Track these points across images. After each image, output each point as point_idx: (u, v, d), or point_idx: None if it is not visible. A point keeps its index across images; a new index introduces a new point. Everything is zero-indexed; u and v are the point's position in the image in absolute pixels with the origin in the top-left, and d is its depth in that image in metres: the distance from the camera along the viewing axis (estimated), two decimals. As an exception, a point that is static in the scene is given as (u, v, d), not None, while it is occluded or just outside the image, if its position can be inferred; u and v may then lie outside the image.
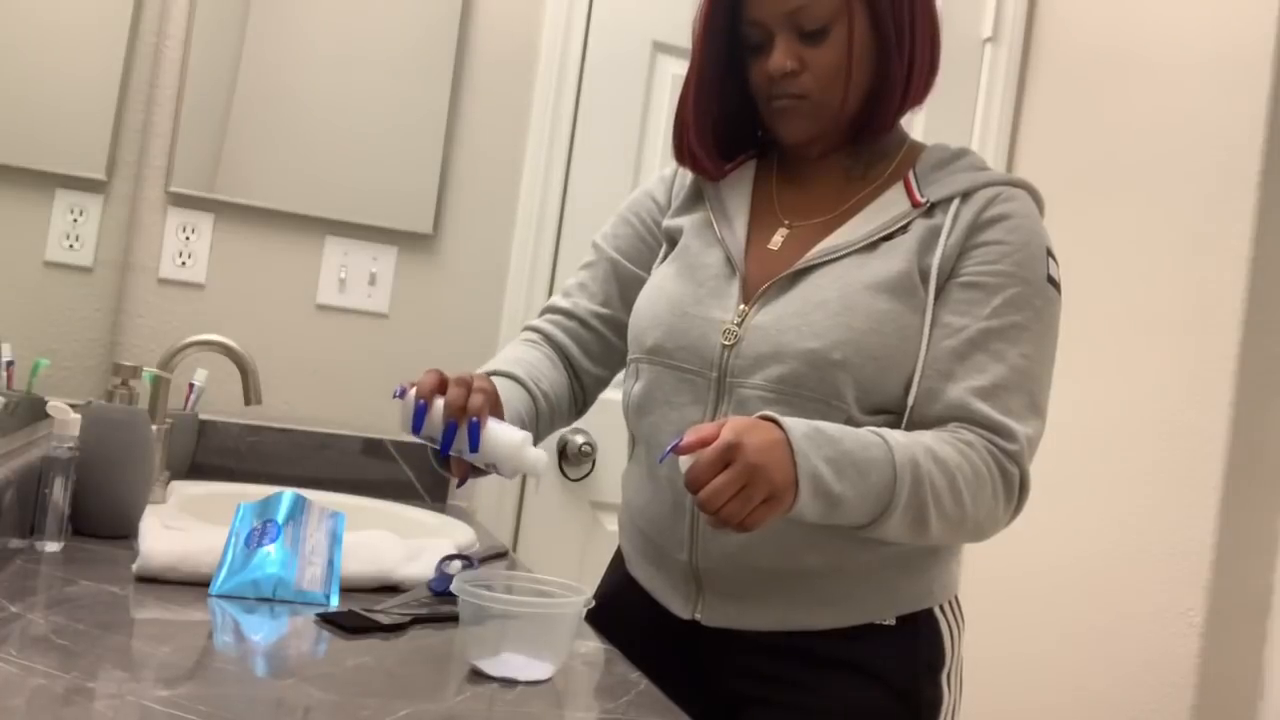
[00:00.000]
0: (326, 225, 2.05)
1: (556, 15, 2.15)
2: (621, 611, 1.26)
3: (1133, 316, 2.01)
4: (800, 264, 1.14)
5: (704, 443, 0.95)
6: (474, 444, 1.04)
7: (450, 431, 1.04)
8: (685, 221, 1.25)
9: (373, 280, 2.07)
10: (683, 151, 1.25)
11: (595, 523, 2.17)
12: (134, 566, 1.18)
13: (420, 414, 1.04)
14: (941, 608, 1.18)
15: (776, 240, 1.20)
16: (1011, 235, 1.13)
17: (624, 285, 1.31)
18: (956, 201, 1.15)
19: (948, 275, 1.13)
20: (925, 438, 1.07)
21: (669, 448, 0.99)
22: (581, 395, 1.33)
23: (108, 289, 1.87)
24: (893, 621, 1.15)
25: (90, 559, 1.25)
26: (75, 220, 1.61)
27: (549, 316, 1.34)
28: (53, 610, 1.02)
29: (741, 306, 1.15)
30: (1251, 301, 1.81)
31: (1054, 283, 1.14)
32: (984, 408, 1.08)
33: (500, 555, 1.59)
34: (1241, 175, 1.84)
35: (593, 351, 1.31)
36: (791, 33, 1.13)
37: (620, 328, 1.30)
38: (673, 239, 1.27)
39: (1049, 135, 2.34)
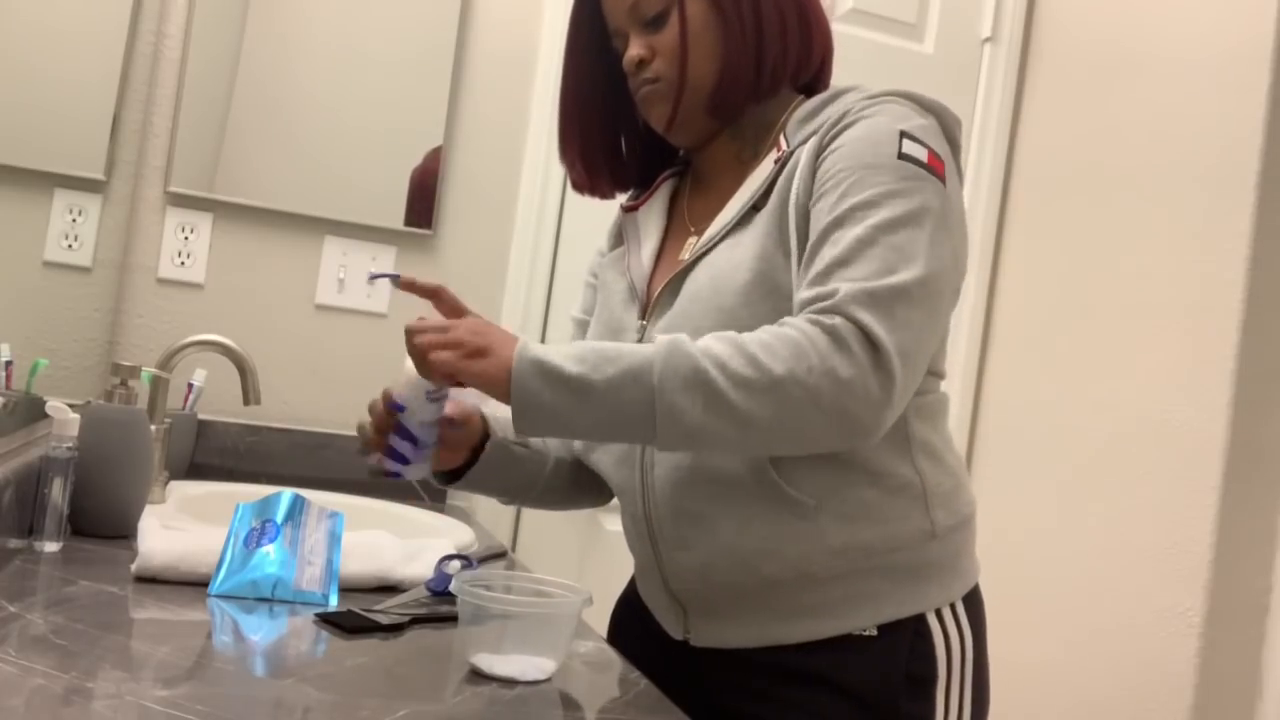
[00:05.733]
0: (326, 225, 2.05)
1: (556, 15, 2.14)
2: (631, 626, 1.28)
3: (1131, 315, 2.01)
4: (682, 265, 1.13)
5: (411, 284, 1.07)
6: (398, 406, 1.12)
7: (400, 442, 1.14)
8: (607, 260, 1.28)
9: (372, 280, 2.07)
10: (572, 180, 1.28)
11: (595, 523, 2.16)
12: (133, 566, 1.18)
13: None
14: (939, 613, 1.09)
15: (686, 250, 1.18)
16: (850, 133, 1.04)
17: None
18: (815, 137, 1.07)
19: (805, 211, 1.04)
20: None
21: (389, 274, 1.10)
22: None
23: (107, 289, 1.87)
24: (874, 631, 1.07)
25: (89, 559, 1.25)
26: (74, 220, 1.61)
27: None
28: (52, 610, 1.02)
29: (641, 323, 1.16)
30: (1250, 300, 1.81)
31: (914, 160, 1.00)
32: (818, 287, 0.97)
33: (499, 555, 1.59)
34: (1241, 174, 1.84)
35: None
36: (638, 26, 1.16)
37: None
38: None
39: (1048, 135, 2.34)
